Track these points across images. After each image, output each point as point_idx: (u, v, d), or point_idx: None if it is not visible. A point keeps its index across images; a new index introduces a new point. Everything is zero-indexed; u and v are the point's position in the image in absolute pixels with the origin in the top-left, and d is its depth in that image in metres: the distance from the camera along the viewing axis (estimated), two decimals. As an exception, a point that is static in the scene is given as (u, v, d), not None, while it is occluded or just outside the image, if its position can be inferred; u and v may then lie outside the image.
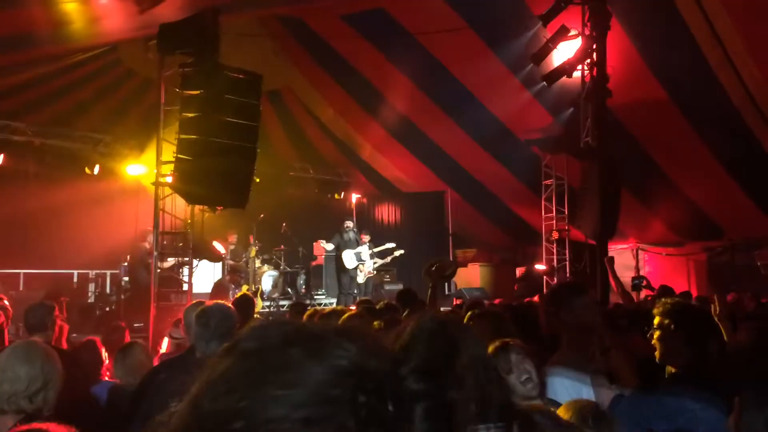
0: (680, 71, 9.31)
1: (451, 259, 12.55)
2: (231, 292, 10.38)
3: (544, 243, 13.12)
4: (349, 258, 12.25)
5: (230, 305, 3.28)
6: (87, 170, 12.22)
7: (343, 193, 16.22)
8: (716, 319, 3.27)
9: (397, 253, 12.88)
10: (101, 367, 4.09)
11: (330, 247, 12.57)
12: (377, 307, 5.49)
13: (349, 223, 12.78)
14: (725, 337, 3.25)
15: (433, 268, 5.26)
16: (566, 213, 12.55)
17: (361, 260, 12.76)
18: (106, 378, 4.07)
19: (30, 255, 11.35)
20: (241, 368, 0.52)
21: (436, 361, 0.51)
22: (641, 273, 12.42)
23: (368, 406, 0.48)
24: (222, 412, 0.49)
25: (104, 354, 4.17)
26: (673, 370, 2.58)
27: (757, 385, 1.67)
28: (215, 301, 3.39)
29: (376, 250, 12.75)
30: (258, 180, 10.52)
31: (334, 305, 12.54)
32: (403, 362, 0.50)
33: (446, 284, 13.62)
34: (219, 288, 10.45)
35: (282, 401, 0.48)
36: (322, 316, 4.22)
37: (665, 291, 6.56)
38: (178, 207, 8.74)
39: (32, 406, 2.30)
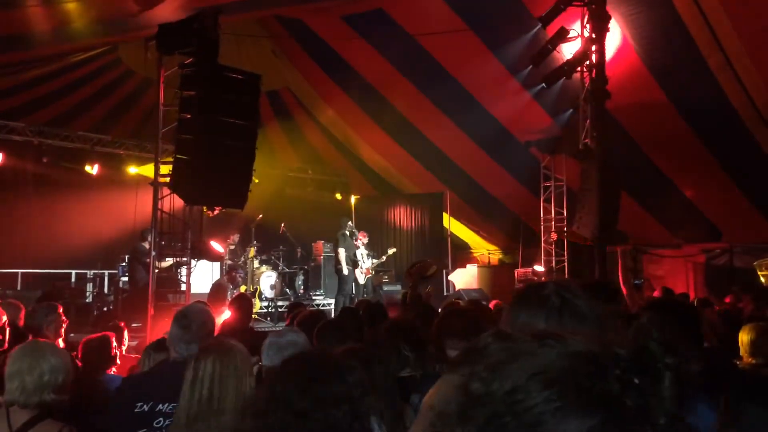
0: (680, 74, 9.30)
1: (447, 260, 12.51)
2: (229, 292, 10.36)
3: (543, 244, 13.12)
4: (360, 257, 12.21)
5: (208, 306, 3.29)
6: (86, 170, 12.22)
7: (341, 194, 16.22)
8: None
9: (390, 252, 12.89)
10: (112, 361, 4.16)
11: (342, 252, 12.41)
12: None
13: (350, 222, 12.75)
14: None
15: (414, 269, 5.29)
16: (565, 214, 12.55)
17: (362, 259, 12.79)
18: (113, 372, 4.17)
19: (28, 254, 11.34)
20: (503, 359, 0.64)
21: (677, 340, 0.65)
22: (640, 275, 12.43)
23: (622, 378, 0.60)
24: (499, 391, 0.61)
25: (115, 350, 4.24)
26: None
27: (739, 387, 1.66)
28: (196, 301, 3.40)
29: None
30: (257, 180, 10.52)
31: (333, 306, 12.58)
32: (644, 345, 0.64)
33: (445, 285, 13.66)
34: (217, 288, 10.42)
35: (544, 379, 0.60)
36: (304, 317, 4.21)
37: (666, 293, 6.55)
38: (176, 207, 8.73)
39: (53, 398, 2.48)
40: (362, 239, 12.79)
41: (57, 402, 2.50)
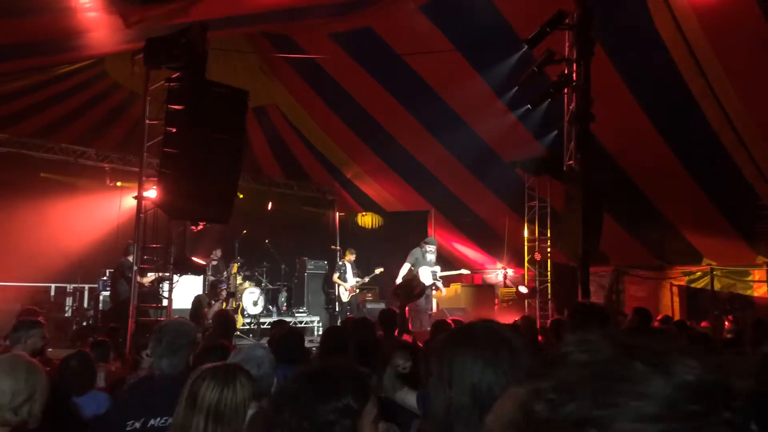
0: (662, 98, 9.45)
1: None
2: (215, 306, 10.20)
3: (526, 264, 13.16)
4: (425, 275, 11.89)
5: (189, 320, 3.27)
6: (68, 182, 12.09)
7: (327, 211, 16.21)
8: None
9: (377, 271, 12.88)
10: (93, 377, 4.07)
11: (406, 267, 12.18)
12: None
13: (430, 245, 12.22)
14: None
15: (400, 289, 5.29)
16: (549, 235, 12.61)
17: (345, 279, 12.82)
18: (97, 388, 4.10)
19: (7, 267, 11.16)
20: (581, 377, 0.51)
21: None
22: (622, 296, 12.52)
23: (733, 423, 0.47)
24: (567, 419, 0.48)
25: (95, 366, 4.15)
26: None
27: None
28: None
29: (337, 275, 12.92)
30: (241, 196, 10.49)
31: (316, 323, 12.50)
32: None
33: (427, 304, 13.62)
34: (198, 303, 10.30)
35: (633, 412, 0.47)
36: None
37: (642, 314, 6.55)
38: (160, 221, 8.66)
39: (17, 418, 2.33)
40: (350, 256, 12.91)
41: (22, 423, 2.36)
